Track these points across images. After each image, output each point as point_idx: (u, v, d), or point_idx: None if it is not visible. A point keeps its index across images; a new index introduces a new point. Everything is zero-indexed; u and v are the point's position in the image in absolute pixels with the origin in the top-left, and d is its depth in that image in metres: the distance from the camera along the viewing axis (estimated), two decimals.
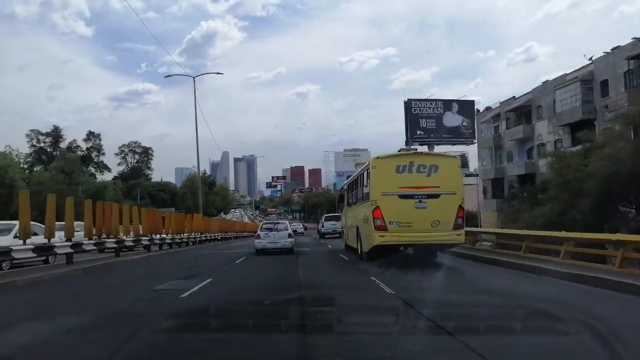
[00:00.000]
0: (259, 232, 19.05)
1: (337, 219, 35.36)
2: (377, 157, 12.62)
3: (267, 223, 21.36)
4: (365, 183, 13.28)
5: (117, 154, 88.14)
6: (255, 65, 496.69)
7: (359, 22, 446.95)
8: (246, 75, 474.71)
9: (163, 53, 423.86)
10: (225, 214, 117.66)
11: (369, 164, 12.81)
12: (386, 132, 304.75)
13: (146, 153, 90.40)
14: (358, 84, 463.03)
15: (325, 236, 33.11)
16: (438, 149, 47.32)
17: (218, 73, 43.89)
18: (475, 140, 48.76)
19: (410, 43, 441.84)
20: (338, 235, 31.45)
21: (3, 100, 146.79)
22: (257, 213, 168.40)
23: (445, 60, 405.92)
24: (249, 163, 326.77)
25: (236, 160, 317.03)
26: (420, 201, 11.65)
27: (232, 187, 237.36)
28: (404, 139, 45.03)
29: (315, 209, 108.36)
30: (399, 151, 13.35)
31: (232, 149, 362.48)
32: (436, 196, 11.75)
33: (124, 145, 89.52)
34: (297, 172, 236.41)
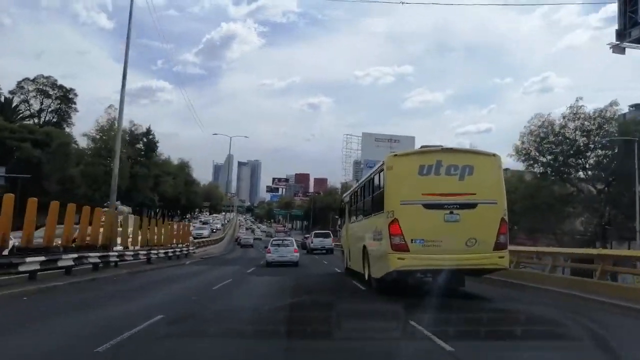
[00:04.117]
0: (269, 247, 23.80)
1: (327, 235, 40.65)
2: (395, 155, 10.33)
3: (276, 240, 26.53)
4: (377, 189, 10.98)
5: (13, 93, 54.82)
6: (270, 72, 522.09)
7: (378, 38, 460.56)
8: (260, 81, 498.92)
9: (179, 52, 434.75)
10: (211, 214, 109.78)
11: (382, 164, 10.50)
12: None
13: (65, 98, 56.19)
14: (371, 99, 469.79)
15: (314, 252, 36.20)
16: None
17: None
18: None
19: (427, 63, 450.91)
20: (325, 252, 35.92)
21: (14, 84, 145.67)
22: (249, 217, 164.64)
23: (460, 84, 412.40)
24: (253, 168, 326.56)
25: (240, 164, 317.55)
26: (452, 212, 9.44)
27: (233, 191, 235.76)
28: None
29: (325, 214, 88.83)
30: (421, 147, 11.03)
31: (237, 152, 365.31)
32: (472, 206, 9.54)
33: (26, 79, 55.11)
34: (301, 179, 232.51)
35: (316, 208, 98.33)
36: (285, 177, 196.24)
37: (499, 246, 9.57)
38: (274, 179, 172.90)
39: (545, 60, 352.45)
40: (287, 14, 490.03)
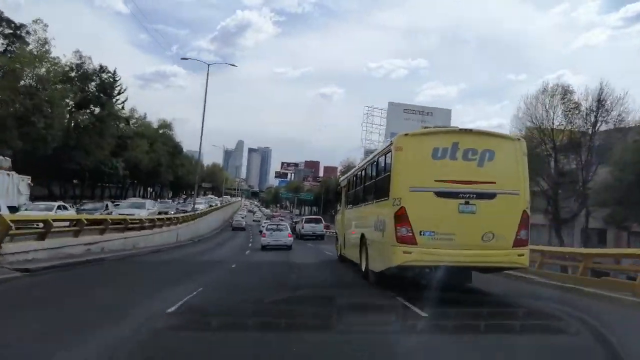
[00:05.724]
0: (264, 231, 25.53)
1: (318, 221, 40.56)
2: (405, 134, 9.22)
3: (271, 224, 28.52)
4: (381, 173, 9.94)
5: None
6: (284, 61, 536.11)
7: (392, 31, 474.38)
8: (273, 70, 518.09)
9: (194, 38, 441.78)
10: (211, 195, 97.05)
11: (389, 145, 9.47)
12: None
13: (15, 36, 37.38)
14: (383, 92, 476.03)
15: (304, 237, 36.43)
16: None
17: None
18: None
19: (441, 57, 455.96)
20: (315, 238, 36.24)
21: None
22: (256, 201, 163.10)
23: (474, 78, 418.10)
24: (263, 155, 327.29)
25: (251, 150, 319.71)
26: (467, 203, 8.38)
27: (243, 177, 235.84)
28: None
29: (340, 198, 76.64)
30: (434, 127, 9.91)
31: (247, 138, 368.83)
32: (491, 196, 8.50)
33: None
34: (311, 166, 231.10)
35: (329, 191, 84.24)
36: (294, 162, 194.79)
37: (518, 242, 8.52)
38: (282, 164, 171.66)
39: (561, 58, 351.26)
40: (302, 4, 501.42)
